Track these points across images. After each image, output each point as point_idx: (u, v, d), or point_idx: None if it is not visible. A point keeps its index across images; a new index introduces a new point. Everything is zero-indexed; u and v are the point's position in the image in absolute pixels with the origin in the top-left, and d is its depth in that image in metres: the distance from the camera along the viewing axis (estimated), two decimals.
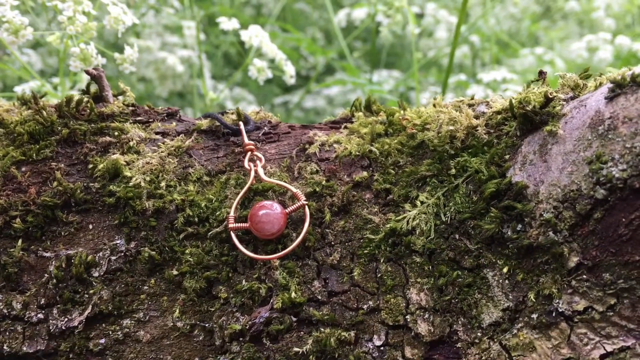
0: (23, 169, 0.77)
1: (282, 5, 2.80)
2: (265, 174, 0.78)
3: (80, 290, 0.72)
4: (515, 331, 0.67)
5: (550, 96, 0.70)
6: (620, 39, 2.31)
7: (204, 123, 0.85)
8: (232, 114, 0.88)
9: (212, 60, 2.77)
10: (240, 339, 0.70)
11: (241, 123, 0.84)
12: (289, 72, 1.57)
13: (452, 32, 2.69)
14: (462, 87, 2.32)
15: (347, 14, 2.45)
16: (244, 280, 0.72)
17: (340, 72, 2.62)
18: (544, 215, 0.65)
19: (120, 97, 0.90)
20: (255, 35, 1.56)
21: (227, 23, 1.70)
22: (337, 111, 0.87)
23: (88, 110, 0.83)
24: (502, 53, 2.92)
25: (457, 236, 0.71)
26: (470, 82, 2.35)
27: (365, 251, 0.73)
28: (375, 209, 0.75)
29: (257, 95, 2.79)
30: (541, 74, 0.77)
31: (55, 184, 0.76)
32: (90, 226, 0.75)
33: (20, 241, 0.73)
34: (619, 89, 0.63)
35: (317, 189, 0.76)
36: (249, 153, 0.80)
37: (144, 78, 2.41)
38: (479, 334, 0.68)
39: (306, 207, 0.74)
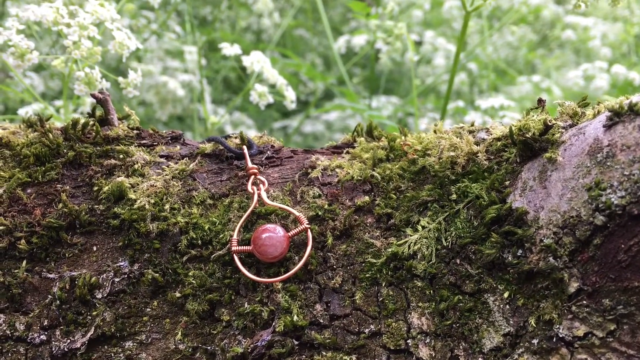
0: (29, 190, 0.78)
1: (282, 32, 2.83)
2: (268, 197, 0.79)
3: (83, 311, 0.72)
4: (516, 356, 0.67)
5: (550, 124, 0.71)
6: (617, 67, 2.35)
7: (208, 147, 0.86)
8: (236, 138, 0.89)
9: (212, 85, 2.79)
10: None
11: (245, 147, 0.85)
12: (290, 97, 1.59)
13: (449, 59, 2.73)
14: (460, 114, 2.34)
15: (347, 41, 2.48)
16: (246, 303, 0.73)
17: (340, 98, 2.64)
18: (544, 240, 0.66)
19: (125, 121, 0.91)
20: (256, 61, 1.59)
21: (230, 49, 1.72)
22: (336, 136, 0.89)
23: (94, 133, 0.84)
24: (500, 80, 2.95)
25: (458, 261, 0.71)
26: (468, 108, 2.37)
27: (367, 275, 0.73)
28: (377, 233, 0.75)
29: (256, 119, 2.81)
30: (540, 101, 0.78)
31: (60, 205, 0.76)
32: (95, 248, 0.75)
33: (24, 262, 0.74)
34: (617, 117, 0.64)
35: (320, 213, 0.77)
36: (252, 177, 0.80)
37: (144, 101, 2.42)
38: (480, 359, 0.68)
39: (308, 230, 0.75)
